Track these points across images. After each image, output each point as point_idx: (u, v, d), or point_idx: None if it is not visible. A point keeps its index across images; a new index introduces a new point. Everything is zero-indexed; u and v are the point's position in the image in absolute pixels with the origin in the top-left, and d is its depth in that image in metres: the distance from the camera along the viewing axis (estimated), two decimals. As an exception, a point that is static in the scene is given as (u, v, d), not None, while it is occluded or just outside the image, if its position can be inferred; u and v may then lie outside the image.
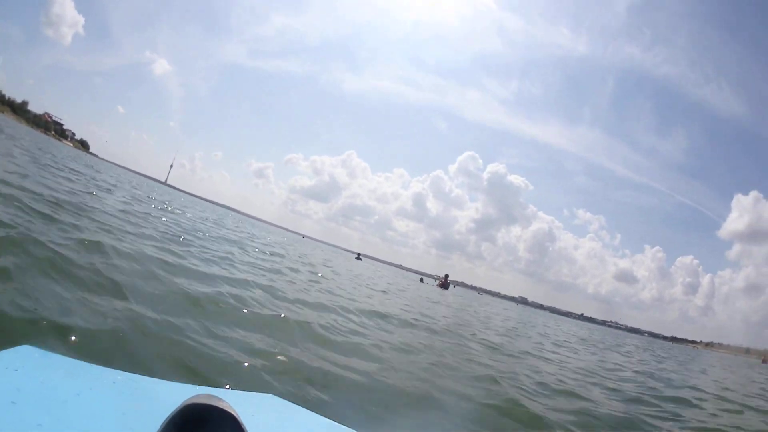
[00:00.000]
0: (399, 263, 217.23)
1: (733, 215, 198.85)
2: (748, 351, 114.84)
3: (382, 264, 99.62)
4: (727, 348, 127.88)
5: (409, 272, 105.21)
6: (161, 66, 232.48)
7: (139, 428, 0.78)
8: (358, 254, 61.55)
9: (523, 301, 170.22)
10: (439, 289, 32.63)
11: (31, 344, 1.15)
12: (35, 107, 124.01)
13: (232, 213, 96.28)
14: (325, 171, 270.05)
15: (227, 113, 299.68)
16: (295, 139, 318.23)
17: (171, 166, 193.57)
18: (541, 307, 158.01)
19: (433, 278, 61.01)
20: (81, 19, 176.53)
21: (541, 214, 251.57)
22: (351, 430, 1.10)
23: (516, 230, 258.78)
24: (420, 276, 45.68)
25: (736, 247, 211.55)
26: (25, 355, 1.04)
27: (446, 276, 38.49)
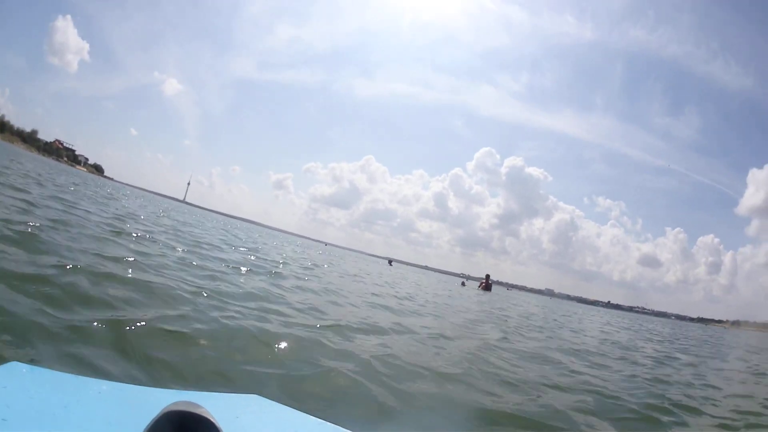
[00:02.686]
0: (425, 264, 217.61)
1: (750, 190, 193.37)
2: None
3: (411, 268, 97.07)
4: (754, 325, 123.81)
5: (439, 274, 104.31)
6: (172, 85, 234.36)
7: None
8: (390, 260, 60.64)
9: (549, 293, 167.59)
10: (482, 292, 30.54)
11: (19, 360, 1.26)
12: (45, 135, 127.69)
13: (255, 227, 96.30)
14: (344, 177, 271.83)
15: (242, 127, 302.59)
16: (313, 148, 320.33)
17: (188, 183, 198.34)
18: (567, 297, 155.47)
19: (461, 277, 61.44)
20: (86, 45, 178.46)
21: (561, 204, 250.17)
22: (341, 428, 1.06)
23: (538, 222, 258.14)
24: (462, 279, 43.05)
25: (755, 223, 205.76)
26: (14, 371, 1.05)
27: (487, 276, 36.13)
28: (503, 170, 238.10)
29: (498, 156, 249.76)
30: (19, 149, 78.86)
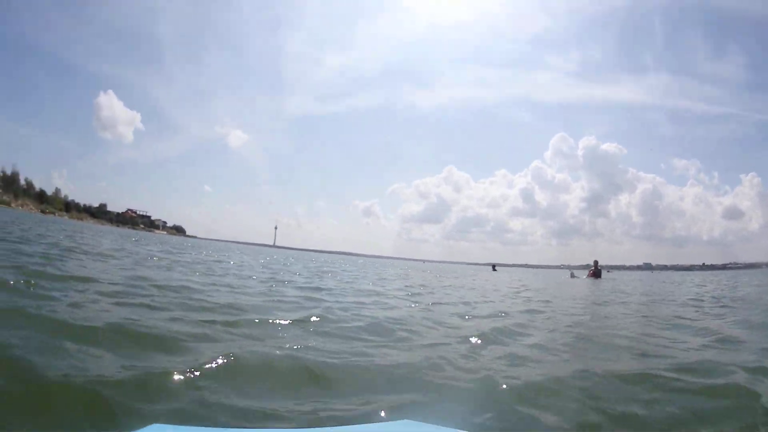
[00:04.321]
0: (524, 262, 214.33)
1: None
2: None
3: (514, 269, 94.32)
4: None
5: (541, 270, 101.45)
6: (237, 136, 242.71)
7: None
8: (493, 265, 58.65)
9: (647, 267, 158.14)
10: (593, 280, 28.74)
11: (160, 423, 1.20)
12: (115, 207, 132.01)
13: (352, 257, 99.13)
14: (430, 192, 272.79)
15: (317, 163, 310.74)
16: (392, 169, 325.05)
17: (275, 227, 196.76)
18: (665, 267, 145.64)
19: (566, 269, 57.59)
20: (136, 115, 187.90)
21: (642, 174, 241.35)
22: None
23: (624, 197, 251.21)
24: (570, 271, 40.63)
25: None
26: None
27: (596, 263, 34.30)
28: (579, 152, 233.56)
29: (571, 140, 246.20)
30: (90, 224, 79.60)
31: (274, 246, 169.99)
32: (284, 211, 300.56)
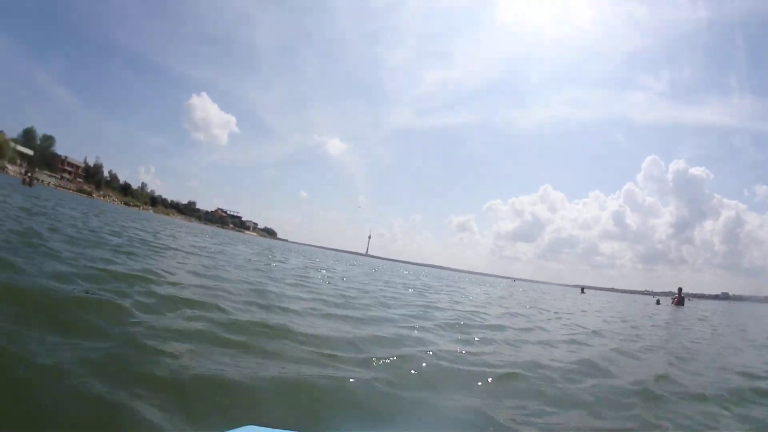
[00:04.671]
0: (611, 286, 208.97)
1: None
2: None
3: (601, 292, 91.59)
4: None
5: (626, 294, 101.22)
6: (335, 145, 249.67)
7: None
8: (582, 288, 57.85)
9: (725, 297, 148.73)
10: (676, 308, 28.04)
11: (254, 424, 1.19)
12: (205, 206, 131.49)
13: (447, 272, 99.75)
14: (525, 211, 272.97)
15: (415, 175, 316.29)
16: (489, 185, 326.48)
17: (369, 237, 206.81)
18: (740, 298, 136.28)
19: (649, 295, 54.79)
20: (231, 118, 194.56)
21: (725, 201, 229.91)
22: None
23: (708, 224, 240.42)
24: (657, 298, 40.34)
25: None
26: None
27: (680, 290, 33.11)
28: (669, 176, 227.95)
29: (662, 163, 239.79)
30: (178, 220, 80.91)
31: (366, 255, 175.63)
32: (379, 222, 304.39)
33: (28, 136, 77.22)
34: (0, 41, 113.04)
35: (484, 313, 9.08)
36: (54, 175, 79.47)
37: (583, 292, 51.85)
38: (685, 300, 34.91)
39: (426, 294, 12.62)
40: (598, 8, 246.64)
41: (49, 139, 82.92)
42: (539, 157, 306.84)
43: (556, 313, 12.10)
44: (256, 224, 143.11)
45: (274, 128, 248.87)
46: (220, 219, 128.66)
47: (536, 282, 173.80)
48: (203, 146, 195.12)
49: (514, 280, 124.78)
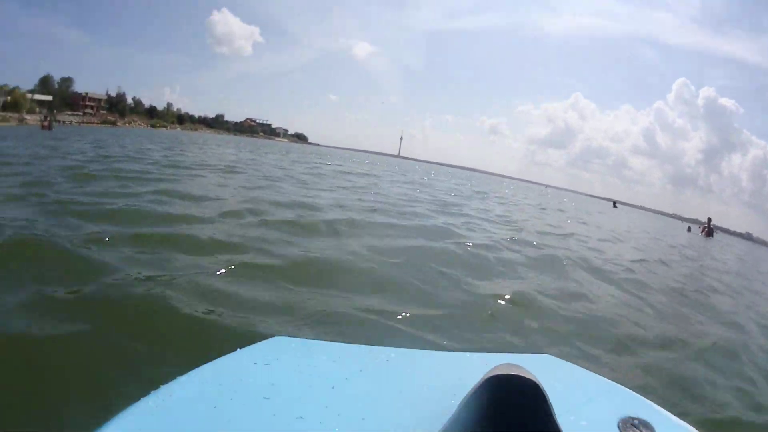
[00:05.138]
0: (639, 204, 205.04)
1: None
2: None
3: (632, 209, 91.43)
4: None
5: (655, 215, 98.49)
6: (363, 48, 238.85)
7: (435, 401, 0.75)
8: (614, 202, 58.91)
9: (748, 237, 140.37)
10: (705, 238, 27.60)
11: (283, 335, 1.29)
12: (233, 117, 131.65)
13: (477, 174, 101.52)
14: (557, 117, 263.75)
15: (446, 77, 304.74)
16: (520, 89, 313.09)
17: (401, 138, 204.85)
18: (764, 243, 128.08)
19: (681, 220, 57.41)
20: (255, 29, 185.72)
21: (754, 139, 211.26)
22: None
23: (737, 159, 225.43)
24: (687, 225, 39.82)
25: None
26: (279, 346, 1.02)
27: (709, 220, 31.90)
28: (699, 102, 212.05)
29: (692, 87, 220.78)
30: (207, 134, 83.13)
31: (398, 156, 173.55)
32: (411, 123, 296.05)
33: (45, 84, 76.85)
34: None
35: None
36: (76, 113, 80.00)
37: (615, 206, 52.53)
38: (714, 232, 33.55)
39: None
40: None
41: (67, 81, 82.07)
42: (569, 64, 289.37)
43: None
44: (286, 130, 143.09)
45: (298, 34, 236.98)
46: (250, 128, 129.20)
47: (567, 191, 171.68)
48: (228, 59, 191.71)
49: (546, 187, 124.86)
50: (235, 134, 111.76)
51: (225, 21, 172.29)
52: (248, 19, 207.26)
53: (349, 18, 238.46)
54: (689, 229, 33.16)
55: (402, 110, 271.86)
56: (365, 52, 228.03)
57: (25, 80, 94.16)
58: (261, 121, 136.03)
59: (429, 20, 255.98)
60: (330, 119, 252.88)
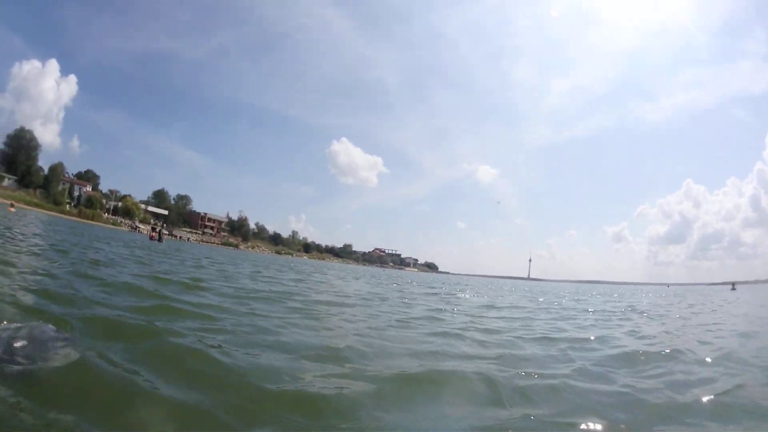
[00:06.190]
0: (754, 279, 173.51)
1: None
2: None
3: (753, 286, 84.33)
4: None
5: None
6: (486, 171, 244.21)
7: None
8: (733, 284, 59.97)
9: None
10: None
11: None
12: (361, 247, 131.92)
13: (601, 286, 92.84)
14: (673, 211, 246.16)
15: (563, 190, 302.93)
16: (637, 189, 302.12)
17: (530, 260, 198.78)
18: None
19: None
20: (378, 160, 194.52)
21: None
22: None
23: None
24: None
25: None
26: None
27: None
28: None
29: None
30: (335, 263, 78.33)
31: (528, 279, 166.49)
32: (537, 243, 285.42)
33: (159, 197, 76.83)
34: (115, 115, 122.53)
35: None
36: (195, 231, 75.95)
37: (734, 288, 50.55)
38: None
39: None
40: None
41: (184, 198, 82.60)
42: (675, 150, 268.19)
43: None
44: (416, 260, 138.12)
45: (421, 163, 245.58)
46: (379, 258, 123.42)
47: (688, 285, 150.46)
48: (354, 189, 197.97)
49: (668, 285, 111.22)
50: (364, 264, 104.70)
51: (346, 151, 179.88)
52: (369, 148, 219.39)
53: (467, 142, 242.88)
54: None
55: (529, 231, 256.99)
56: (489, 175, 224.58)
57: (138, 191, 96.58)
58: (390, 251, 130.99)
59: (539, 134, 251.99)
60: (458, 246, 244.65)
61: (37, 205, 53.55)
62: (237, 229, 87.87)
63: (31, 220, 28.01)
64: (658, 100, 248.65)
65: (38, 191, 58.93)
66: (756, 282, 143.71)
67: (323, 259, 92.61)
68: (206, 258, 21.56)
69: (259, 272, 16.04)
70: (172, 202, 79.31)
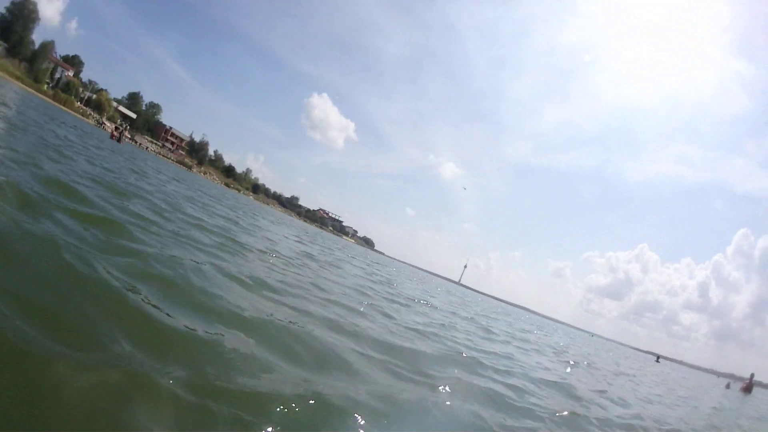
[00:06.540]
0: (680, 359, 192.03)
1: None
2: None
3: (674, 365, 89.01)
4: None
5: (694, 370, 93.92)
6: (450, 169, 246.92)
7: None
8: (658, 357, 61.96)
9: None
10: (743, 395, 26.28)
11: None
12: (309, 203, 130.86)
13: (528, 314, 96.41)
14: (620, 267, 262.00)
15: (523, 212, 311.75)
16: (591, 234, 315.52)
17: (465, 266, 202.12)
18: None
19: (717, 375, 58.98)
20: (350, 124, 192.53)
21: None
22: None
23: None
24: (726, 381, 40.12)
25: None
26: None
27: (752, 376, 30.69)
28: (756, 252, 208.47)
29: (753, 237, 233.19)
30: (276, 211, 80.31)
31: (459, 284, 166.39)
32: (478, 252, 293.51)
33: (133, 100, 77.80)
34: (119, 10, 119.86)
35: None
36: (155, 141, 77.97)
37: (658, 361, 52.56)
38: (753, 388, 32.75)
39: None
40: (710, 63, 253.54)
41: (155, 107, 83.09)
42: (643, 213, 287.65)
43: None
44: (356, 231, 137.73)
45: (391, 141, 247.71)
46: (321, 219, 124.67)
47: (613, 341, 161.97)
48: (319, 146, 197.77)
49: (592, 335, 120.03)
50: (305, 220, 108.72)
51: (323, 107, 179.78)
52: (346, 112, 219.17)
53: (442, 135, 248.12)
54: (728, 386, 32.30)
55: (475, 238, 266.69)
56: (452, 174, 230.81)
57: (116, 89, 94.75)
58: (333, 215, 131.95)
59: (518, 152, 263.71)
60: (401, 230, 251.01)
61: (17, 78, 54.03)
62: (196, 151, 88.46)
63: (6, 91, 27.27)
64: (644, 161, 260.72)
65: (23, 64, 59.24)
66: (681, 363, 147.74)
67: (267, 204, 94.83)
68: (154, 170, 21.03)
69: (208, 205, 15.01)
70: (144, 108, 79.98)
